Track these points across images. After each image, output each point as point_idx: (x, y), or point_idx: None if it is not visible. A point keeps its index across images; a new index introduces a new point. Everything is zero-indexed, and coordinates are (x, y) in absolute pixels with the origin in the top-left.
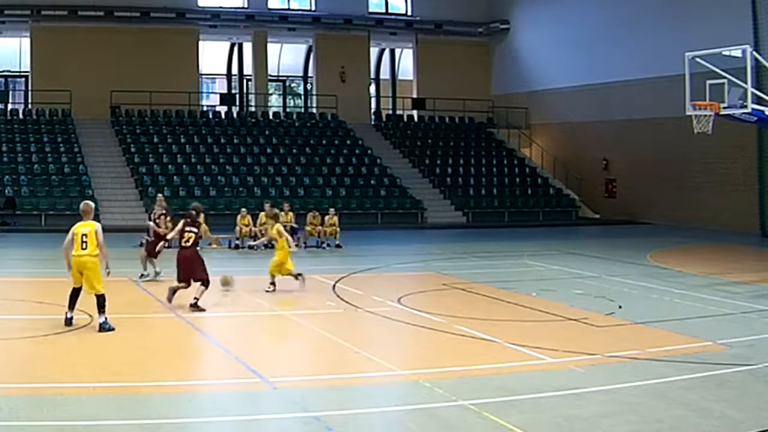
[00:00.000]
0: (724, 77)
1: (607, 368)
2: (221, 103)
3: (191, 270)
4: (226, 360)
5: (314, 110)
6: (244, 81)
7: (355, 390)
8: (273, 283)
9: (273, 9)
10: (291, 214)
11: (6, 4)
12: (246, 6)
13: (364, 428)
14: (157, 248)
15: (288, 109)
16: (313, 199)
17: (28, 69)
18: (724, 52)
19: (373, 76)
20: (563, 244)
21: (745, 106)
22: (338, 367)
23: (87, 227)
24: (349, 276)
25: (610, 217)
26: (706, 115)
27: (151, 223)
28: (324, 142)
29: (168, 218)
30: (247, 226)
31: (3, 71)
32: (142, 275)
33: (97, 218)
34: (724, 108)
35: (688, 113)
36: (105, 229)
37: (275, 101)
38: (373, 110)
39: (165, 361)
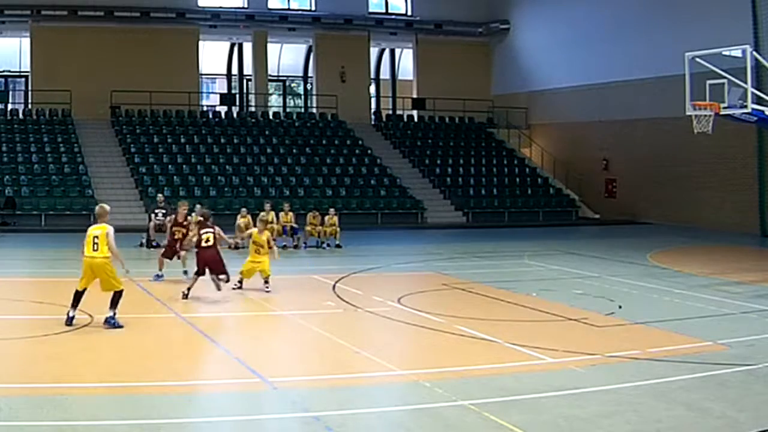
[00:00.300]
0: (724, 77)
1: (607, 368)
2: (221, 103)
3: (212, 268)
4: (226, 360)
5: (314, 110)
6: (244, 81)
7: (355, 390)
8: (241, 282)
9: (273, 9)
10: (291, 214)
11: (6, 4)
12: (246, 6)
13: (364, 428)
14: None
15: (288, 109)
16: (313, 199)
17: (28, 69)
18: (724, 52)
19: (373, 76)
20: (563, 244)
21: (745, 106)
22: (338, 367)
23: (99, 229)
24: (349, 276)
25: (610, 217)
26: (706, 115)
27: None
28: (324, 142)
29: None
30: (247, 226)
31: (3, 71)
32: (158, 276)
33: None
34: (724, 108)
35: (688, 113)
36: None
37: (275, 101)
38: (373, 110)
39: (165, 361)
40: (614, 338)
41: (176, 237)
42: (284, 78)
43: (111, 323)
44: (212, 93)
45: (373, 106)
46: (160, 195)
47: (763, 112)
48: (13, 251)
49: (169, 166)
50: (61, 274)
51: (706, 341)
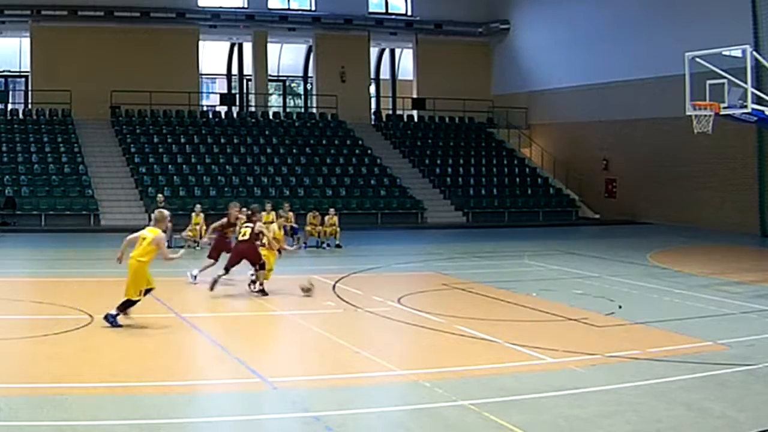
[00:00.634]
0: (724, 77)
1: (607, 368)
2: (221, 103)
3: (245, 258)
4: (226, 360)
5: (314, 110)
6: (244, 81)
7: (355, 390)
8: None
9: (273, 9)
10: (291, 214)
11: (6, 4)
12: (246, 6)
13: (364, 428)
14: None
15: (288, 109)
16: (313, 199)
17: (28, 69)
18: (724, 52)
19: (373, 76)
20: (563, 244)
21: (745, 106)
22: (338, 367)
23: (150, 233)
24: (349, 276)
25: (610, 217)
26: (706, 115)
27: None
28: (324, 142)
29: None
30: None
31: (3, 71)
32: (195, 276)
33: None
34: (724, 108)
35: (688, 113)
36: (104, 229)
37: (275, 101)
38: (373, 110)
39: (165, 361)
40: (614, 338)
41: (226, 239)
42: (284, 78)
43: (109, 320)
44: (212, 93)
45: (373, 106)
46: (160, 195)
47: (763, 112)
48: (13, 251)
49: (169, 166)
50: (61, 274)
51: (706, 341)
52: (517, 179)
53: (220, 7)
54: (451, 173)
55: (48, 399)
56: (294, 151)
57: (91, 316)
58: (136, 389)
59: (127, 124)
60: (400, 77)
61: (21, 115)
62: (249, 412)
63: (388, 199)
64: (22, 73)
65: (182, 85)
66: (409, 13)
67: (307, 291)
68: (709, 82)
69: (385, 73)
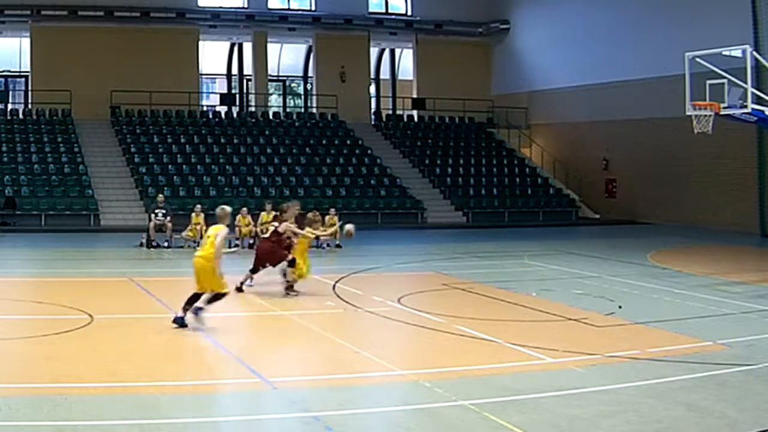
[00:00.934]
0: (724, 77)
1: (607, 368)
2: (221, 103)
3: (267, 260)
4: (226, 360)
5: (314, 110)
6: (244, 81)
7: (355, 390)
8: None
9: (273, 9)
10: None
11: (6, 4)
12: (246, 6)
13: (364, 428)
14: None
15: (288, 109)
16: (313, 199)
17: (28, 69)
18: (724, 52)
19: (373, 76)
20: (563, 244)
21: (745, 106)
22: (338, 367)
23: (214, 230)
24: (349, 276)
25: (610, 217)
26: (706, 115)
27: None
28: (324, 142)
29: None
30: (247, 226)
31: (3, 71)
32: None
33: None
34: (724, 108)
35: (688, 113)
36: (104, 229)
37: (275, 101)
38: (373, 110)
39: (165, 361)
40: (614, 338)
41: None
42: (284, 78)
43: (177, 321)
44: (212, 93)
45: (373, 106)
46: (160, 195)
47: (763, 112)
48: (13, 251)
49: (169, 166)
50: (61, 274)
51: (706, 341)
52: (517, 179)
53: (220, 7)
54: (451, 173)
55: (48, 399)
56: (294, 151)
57: (91, 316)
58: (136, 389)
59: (127, 124)
60: (400, 77)
61: (21, 115)
62: (249, 412)
63: (388, 199)
64: (22, 73)
65: (182, 85)
66: (409, 13)
67: (349, 236)
68: (709, 82)
69: (385, 73)
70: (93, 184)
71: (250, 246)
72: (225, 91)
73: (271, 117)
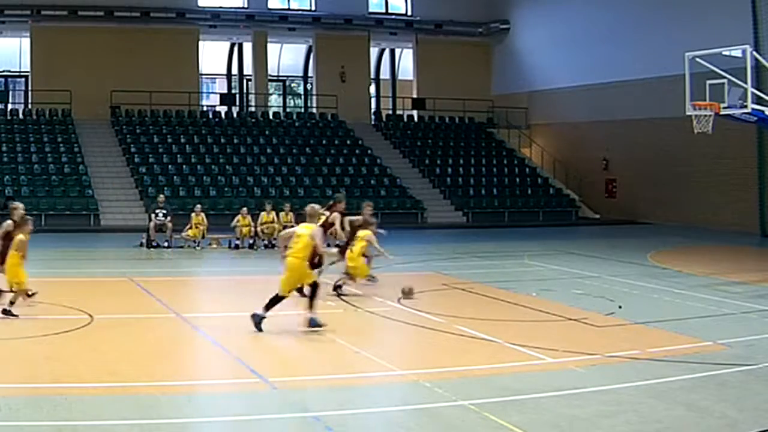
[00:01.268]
0: (724, 77)
1: (607, 368)
2: (221, 103)
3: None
4: (226, 360)
5: (314, 110)
6: (244, 81)
7: (355, 390)
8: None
9: (273, 9)
10: (291, 214)
11: (6, 4)
12: (246, 6)
13: (364, 428)
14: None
15: (288, 109)
16: (313, 200)
17: (28, 69)
18: (724, 52)
19: (373, 76)
20: (563, 244)
21: (745, 106)
22: (338, 367)
23: (305, 229)
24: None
25: (610, 217)
26: (706, 115)
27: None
28: (324, 142)
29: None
30: (247, 226)
31: (3, 71)
32: (371, 278)
33: (96, 218)
34: (724, 108)
35: (688, 113)
36: (104, 229)
37: (275, 101)
38: (373, 110)
39: (165, 361)
40: (614, 338)
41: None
42: (284, 78)
43: (313, 323)
44: (212, 93)
45: (373, 106)
46: (161, 195)
47: (763, 112)
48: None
49: (169, 166)
50: (61, 274)
51: (706, 341)
52: (517, 179)
53: (220, 7)
54: (451, 173)
55: (48, 399)
56: (294, 151)
57: (91, 316)
58: (136, 389)
59: (127, 124)
60: (400, 77)
61: (21, 115)
62: (249, 412)
63: (388, 199)
64: (22, 73)
65: (182, 85)
66: (409, 13)
67: (407, 294)
68: (709, 82)
69: (385, 73)
70: (93, 184)
71: (251, 246)
72: (225, 91)
73: (271, 117)
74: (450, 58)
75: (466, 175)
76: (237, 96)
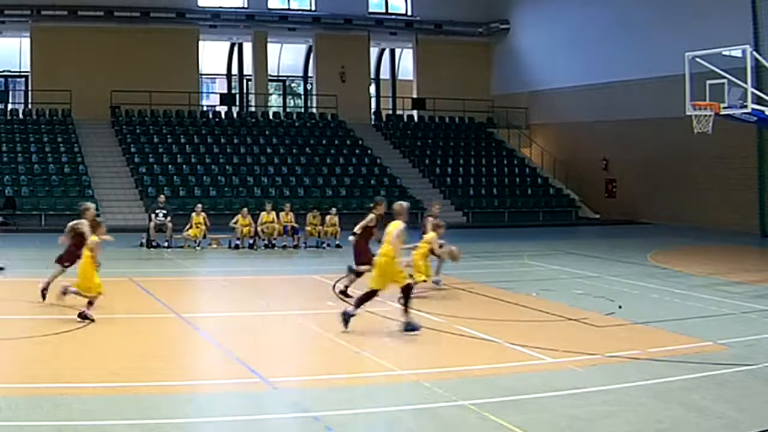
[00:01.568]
0: (724, 77)
1: (607, 368)
2: (221, 103)
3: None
4: (226, 360)
5: (314, 110)
6: (244, 81)
7: (355, 390)
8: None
9: (273, 9)
10: (291, 214)
11: (6, 4)
12: (246, 6)
13: (364, 428)
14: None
15: (288, 109)
16: (313, 199)
17: (28, 69)
18: (724, 52)
19: (373, 76)
20: (563, 244)
21: (745, 106)
22: (338, 367)
23: (392, 227)
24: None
25: (610, 217)
26: (706, 115)
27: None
28: (324, 142)
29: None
30: (247, 226)
31: (3, 71)
32: (436, 281)
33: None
34: (724, 108)
35: (688, 113)
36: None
37: (275, 101)
38: (373, 110)
39: (165, 361)
40: (614, 338)
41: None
42: (284, 78)
43: (409, 328)
44: (212, 93)
45: (373, 106)
46: (161, 195)
47: (763, 112)
48: (13, 251)
49: (169, 166)
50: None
51: (706, 341)
52: (517, 179)
53: (220, 7)
54: (451, 173)
55: (48, 399)
56: (294, 151)
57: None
58: (136, 389)
59: (127, 124)
60: (400, 77)
61: (21, 115)
62: (249, 412)
63: (388, 199)
64: (22, 73)
65: (182, 85)
66: (409, 13)
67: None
68: (709, 82)
69: (385, 73)
70: (93, 184)
71: (251, 246)
72: (225, 91)
73: (271, 117)
74: (450, 58)
75: (466, 175)
76: (237, 96)
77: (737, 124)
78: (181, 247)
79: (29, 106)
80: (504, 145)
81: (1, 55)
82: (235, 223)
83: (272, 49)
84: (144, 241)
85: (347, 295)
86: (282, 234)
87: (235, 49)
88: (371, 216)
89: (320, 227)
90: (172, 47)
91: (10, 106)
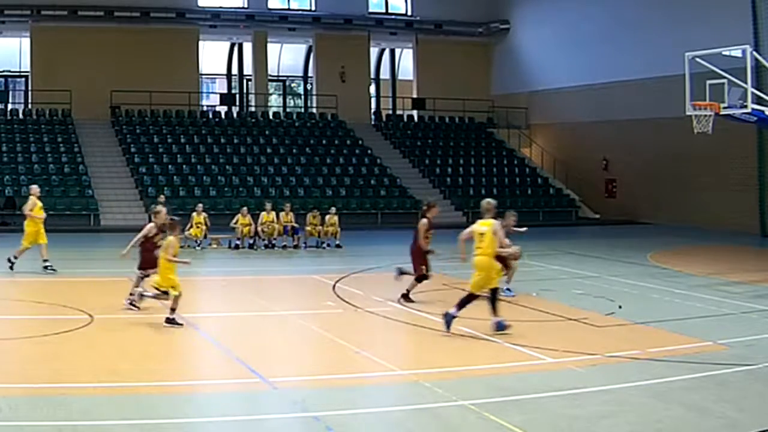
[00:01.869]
0: (724, 77)
1: (607, 368)
2: (221, 103)
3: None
4: (226, 360)
5: (314, 110)
6: (244, 81)
7: (355, 390)
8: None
9: (273, 9)
10: (291, 214)
11: (6, 4)
12: (246, 6)
13: (364, 428)
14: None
15: (288, 109)
16: (313, 199)
17: (28, 69)
18: (724, 52)
19: (373, 76)
20: (563, 244)
21: (745, 106)
22: (338, 367)
23: (484, 225)
24: (349, 276)
25: (610, 217)
26: (706, 115)
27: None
28: (324, 142)
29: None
30: (247, 225)
31: (3, 71)
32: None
33: (96, 218)
34: (724, 108)
35: (688, 113)
36: (104, 229)
37: (275, 101)
38: (373, 110)
39: (165, 361)
40: (614, 338)
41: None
42: (284, 78)
43: (500, 327)
44: (212, 93)
45: (373, 106)
46: (161, 196)
47: (763, 112)
48: (13, 251)
49: (169, 166)
50: (62, 274)
51: (706, 341)
52: (517, 179)
53: (220, 7)
54: (451, 173)
55: (48, 399)
56: (294, 151)
57: (90, 316)
58: (136, 389)
59: (127, 124)
60: (400, 77)
61: (21, 115)
62: (249, 412)
63: (388, 199)
64: (22, 73)
65: (182, 85)
66: (409, 13)
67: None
68: (709, 82)
69: (385, 73)
70: (93, 184)
71: (251, 246)
72: (225, 91)
73: (271, 117)
74: (450, 58)
75: (466, 175)
76: (237, 96)
77: (737, 124)
78: (181, 247)
79: (29, 106)
80: (504, 145)
81: (1, 55)
82: (236, 223)
83: (272, 49)
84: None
85: (410, 300)
86: (282, 234)
87: (235, 49)
88: (424, 221)
89: (320, 227)
90: (172, 47)
91: (10, 106)
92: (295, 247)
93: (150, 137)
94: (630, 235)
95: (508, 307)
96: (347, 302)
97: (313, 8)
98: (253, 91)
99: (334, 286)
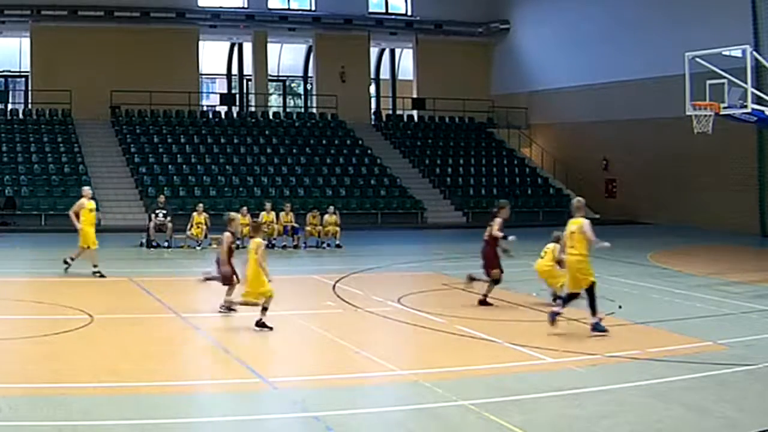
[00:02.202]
0: (724, 77)
1: (607, 368)
2: (221, 103)
3: (484, 264)
4: (226, 360)
5: (314, 110)
6: (244, 81)
7: (355, 390)
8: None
9: (273, 9)
10: (291, 214)
11: (6, 4)
12: (246, 6)
13: (364, 428)
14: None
15: (288, 109)
16: (313, 199)
17: (28, 69)
18: (724, 52)
19: (373, 76)
20: None
21: (745, 106)
22: (338, 367)
23: (574, 224)
24: (349, 276)
25: (610, 217)
26: (706, 115)
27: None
28: (324, 142)
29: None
30: (247, 225)
31: (3, 71)
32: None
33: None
34: (724, 108)
35: (688, 113)
36: (105, 229)
37: (275, 101)
38: (373, 110)
39: (165, 361)
40: (614, 338)
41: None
42: (284, 78)
43: (598, 328)
44: (212, 93)
45: (373, 106)
46: (161, 196)
47: (763, 112)
48: (13, 251)
49: (169, 166)
50: (61, 274)
51: (706, 341)
52: (517, 179)
53: (220, 7)
54: (451, 173)
55: (48, 399)
56: (294, 151)
57: (91, 316)
58: (136, 389)
59: (127, 124)
60: (400, 77)
61: (21, 115)
62: (249, 412)
63: (388, 199)
64: (22, 73)
65: (182, 85)
66: (409, 13)
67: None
68: (709, 82)
69: (385, 73)
70: (93, 184)
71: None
72: (225, 91)
73: (271, 117)
74: (450, 58)
75: (466, 175)
76: (237, 96)
77: (737, 124)
78: (181, 247)
79: (29, 106)
80: (504, 145)
81: (1, 55)
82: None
83: (272, 49)
84: (144, 241)
85: (488, 304)
86: (282, 234)
87: (235, 49)
88: (499, 220)
89: (320, 227)
90: (172, 47)
91: (10, 106)
92: (295, 247)
93: (150, 137)
94: (630, 235)
95: (509, 307)
96: (347, 302)
97: (313, 8)
98: (253, 91)
99: (334, 286)
